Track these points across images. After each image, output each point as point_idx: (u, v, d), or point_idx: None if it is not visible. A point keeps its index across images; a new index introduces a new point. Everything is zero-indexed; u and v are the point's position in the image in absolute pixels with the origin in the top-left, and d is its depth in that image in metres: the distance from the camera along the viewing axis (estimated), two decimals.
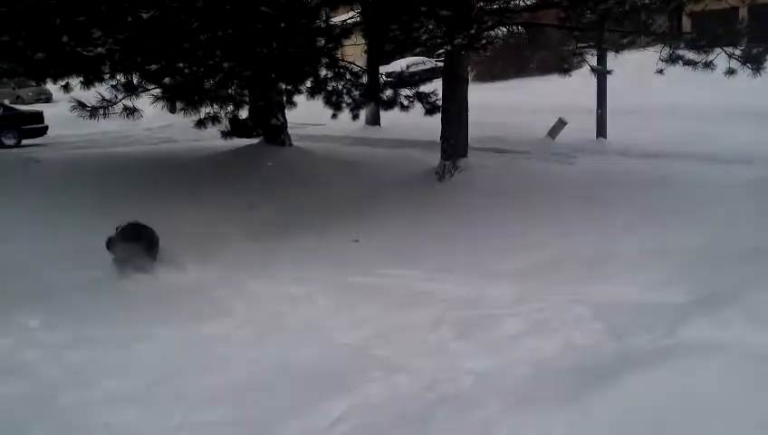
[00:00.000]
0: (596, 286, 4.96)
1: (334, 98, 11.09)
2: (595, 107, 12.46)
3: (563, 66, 8.83)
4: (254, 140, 12.37)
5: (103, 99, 8.64)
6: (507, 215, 7.61)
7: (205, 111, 9.79)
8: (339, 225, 7.44)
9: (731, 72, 8.39)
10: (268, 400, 3.32)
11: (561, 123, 12.81)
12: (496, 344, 3.89)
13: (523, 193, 8.60)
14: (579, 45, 10.11)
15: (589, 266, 5.59)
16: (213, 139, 11.90)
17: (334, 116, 11.53)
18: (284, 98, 11.95)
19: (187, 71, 8.47)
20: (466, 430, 2.54)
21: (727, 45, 8.43)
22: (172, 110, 10.75)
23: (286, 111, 12.41)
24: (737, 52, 8.34)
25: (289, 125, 12.77)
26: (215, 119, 10.06)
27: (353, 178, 9.92)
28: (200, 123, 9.91)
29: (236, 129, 11.70)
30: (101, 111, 8.60)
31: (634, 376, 2.92)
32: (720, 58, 8.56)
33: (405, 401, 3.24)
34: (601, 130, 12.26)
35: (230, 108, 10.70)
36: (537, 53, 15.89)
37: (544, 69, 18.86)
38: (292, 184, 9.49)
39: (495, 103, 18.54)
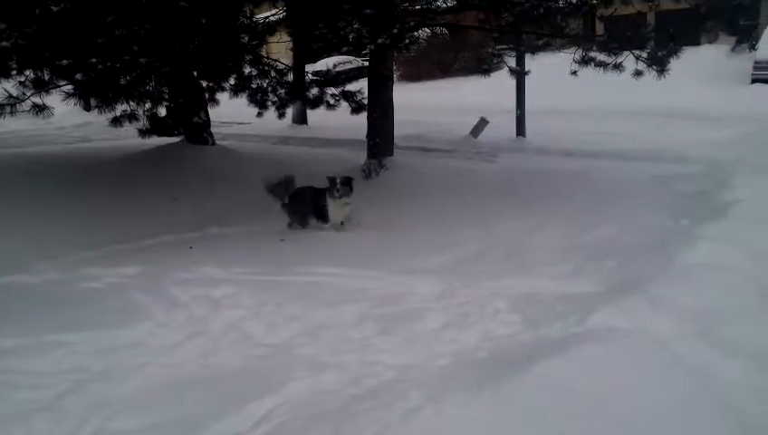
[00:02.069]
0: (514, 280, 5.15)
1: (259, 96, 10.93)
2: (515, 107, 12.89)
3: (483, 67, 9.10)
4: (176, 139, 12.00)
5: (10, 96, 8.14)
6: (432, 212, 7.78)
7: (121, 108, 9.40)
8: (264, 225, 7.34)
9: (638, 73, 8.91)
10: (187, 405, 3.25)
11: (483, 122, 13.18)
12: (419, 338, 3.97)
13: (448, 191, 8.81)
14: (498, 47, 10.45)
15: (508, 261, 5.80)
16: (132, 138, 11.46)
17: (259, 114, 11.37)
18: (207, 95, 11.67)
19: (100, 66, 8.10)
20: (388, 421, 2.59)
21: (635, 48, 8.95)
22: (87, 107, 10.23)
23: (209, 109, 12.12)
24: (644, 54, 8.87)
25: (213, 123, 12.47)
26: (132, 117, 9.68)
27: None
28: (116, 121, 9.52)
29: (156, 127, 11.31)
30: (8, 109, 8.11)
31: (546, 362, 3.06)
32: (629, 60, 9.08)
33: (329, 397, 3.26)
34: (521, 130, 12.72)
35: (148, 105, 10.33)
36: (460, 54, 16.26)
37: (467, 69, 19.32)
38: (216, 184, 9.28)
39: (421, 103, 18.85)
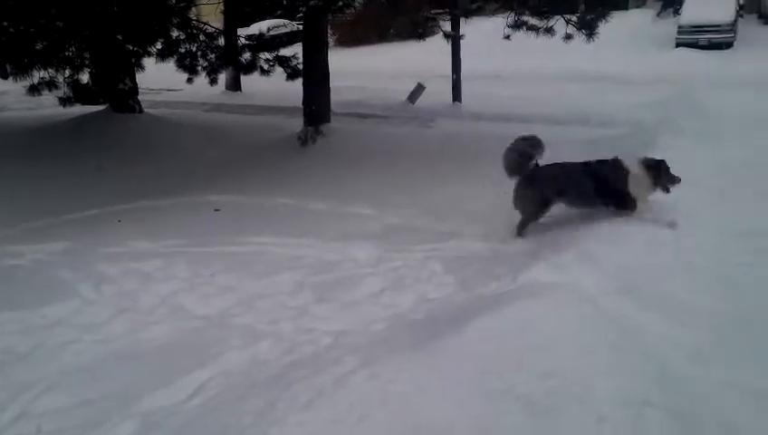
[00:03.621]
0: (449, 243, 5.24)
1: (188, 61, 10.48)
2: (451, 72, 12.91)
3: (418, 31, 9.02)
4: (100, 107, 11.41)
5: None
6: (370, 178, 7.75)
7: (38, 75, 8.84)
8: (197, 194, 7.14)
9: (569, 37, 9.05)
10: (119, 380, 3.16)
11: (420, 88, 13.14)
12: (356, 304, 4.00)
13: (385, 156, 8.78)
14: (433, 11, 10.37)
15: (444, 224, 5.88)
16: (54, 107, 10.81)
17: (189, 80, 10.92)
18: (132, 60, 11.10)
19: (12, 30, 7.57)
20: (322, 387, 2.60)
21: (566, 12, 9.08)
22: (2, 75, 9.58)
23: (137, 75, 11.56)
24: (574, 18, 9.01)
25: (141, 91, 11.92)
26: (51, 84, 9.13)
27: (212, 146, 9.54)
28: (33, 89, 8.96)
29: (79, 95, 10.68)
30: None
31: (479, 320, 3.13)
32: (560, 24, 9.21)
33: (265, 366, 3.25)
34: (457, 95, 12.75)
35: (68, 72, 9.76)
36: (396, 19, 16.08)
37: (404, 34, 19.16)
38: (144, 154, 8.92)
39: (358, 68, 18.59)
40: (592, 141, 8.63)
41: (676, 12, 20.49)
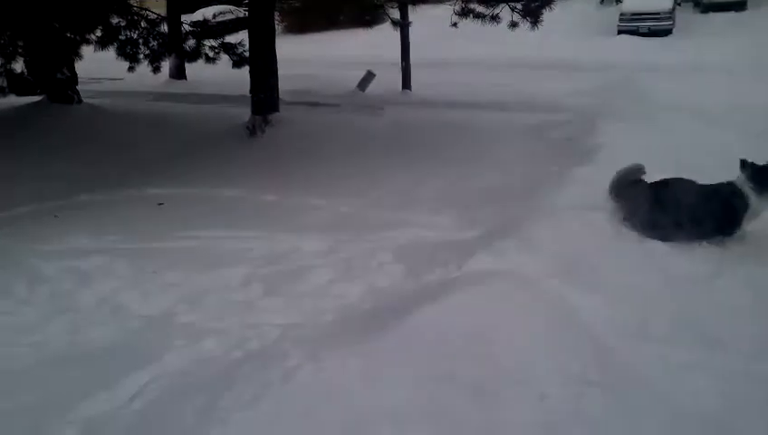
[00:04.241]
0: (399, 231, 5.27)
1: (129, 49, 10.11)
2: (400, 60, 12.92)
3: (365, 18, 8.97)
4: (37, 98, 10.91)
5: None
6: (320, 168, 7.70)
7: None
8: (140, 187, 6.94)
9: (514, 24, 9.18)
10: (54, 386, 3.05)
11: (369, 76, 13.10)
12: (304, 296, 3.97)
13: (335, 146, 8.74)
14: None
15: (393, 213, 5.90)
16: None
17: (131, 69, 10.53)
18: (70, 48, 10.64)
19: None
20: (267, 382, 2.57)
21: (511, 0, 9.19)
22: None
23: (75, 63, 11.09)
24: (519, 6, 9.13)
25: (81, 80, 11.45)
26: None
27: (155, 137, 9.27)
28: None
29: (14, 85, 10.18)
30: None
31: (425, 309, 3.15)
32: (507, 12, 9.32)
33: (210, 363, 3.19)
34: (407, 82, 12.79)
35: (1, 61, 9.29)
36: (345, 5, 15.92)
37: (354, 21, 19.00)
38: (84, 146, 8.59)
39: (308, 56, 18.39)
40: (537, 126, 8.82)
41: (619, 0, 21.02)
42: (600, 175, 5.81)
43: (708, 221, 4.05)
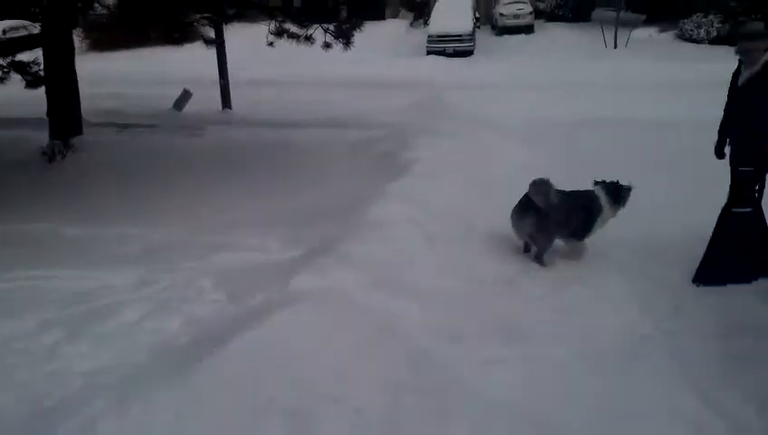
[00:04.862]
0: (220, 256, 5.11)
1: None
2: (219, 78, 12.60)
3: (174, 36, 8.62)
4: None
5: None
6: (132, 194, 7.21)
7: None
8: None
9: (327, 45, 9.42)
10: None
11: (186, 94, 12.59)
12: (113, 336, 3.69)
13: (150, 170, 8.26)
14: (193, 15, 9.97)
15: (215, 237, 5.72)
16: None
17: None
18: None
19: None
20: None
21: (324, 21, 9.41)
22: None
23: None
24: (331, 27, 9.39)
25: None
26: None
27: None
28: None
29: None
30: None
31: (244, 334, 3.12)
32: (321, 32, 9.53)
33: (3, 423, 2.83)
34: (226, 101, 12.49)
35: None
36: (154, 22, 15.09)
37: (163, 39, 18.10)
38: None
39: (116, 74, 17.19)
40: (357, 143, 9.15)
41: (426, 23, 22.59)
42: (416, 187, 6.23)
43: (573, 222, 4.79)
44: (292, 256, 4.83)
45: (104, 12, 10.64)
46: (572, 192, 4.87)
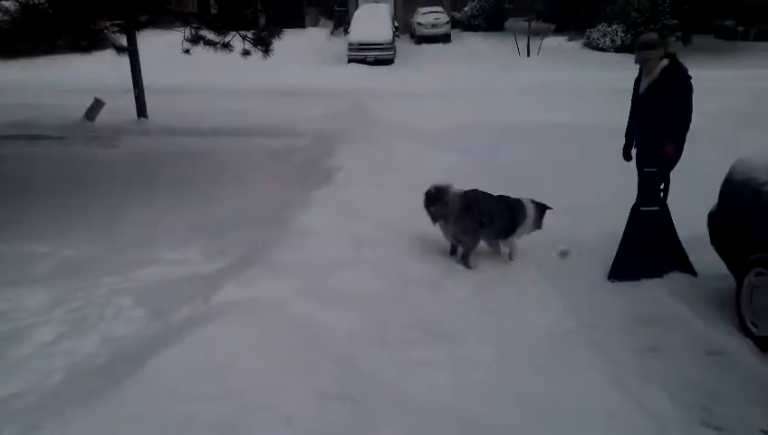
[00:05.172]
0: (141, 271, 4.92)
1: None
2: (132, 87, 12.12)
3: (83, 44, 8.23)
4: None
5: None
6: (42, 209, 6.80)
7: None
8: None
9: (246, 53, 9.29)
10: None
11: (98, 104, 12.02)
12: (25, 360, 3.47)
13: (62, 182, 7.83)
14: (102, 22, 9.57)
15: (135, 251, 5.50)
16: None
17: None
18: None
19: None
20: None
21: (241, 29, 9.29)
22: None
23: None
24: (249, 35, 9.28)
25: None
26: None
27: None
28: None
29: None
30: None
31: (167, 352, 3.02)
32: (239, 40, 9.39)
33: None
34: (142, 110, 12.04)
35: None
36: (62, 28, 14.32)
37: (71, 47, 17.23)
38: None
39: (18, 83, 16.22)
40: (281, 151, 9.07)
41: (346, 31, 22.75)
42: (340, 194, 6.25)
43: (499, 223, 4.97)
44: (217, 268, 4.72)
45: (6, 18, 10.00)
46: (501, 196, 5.08)
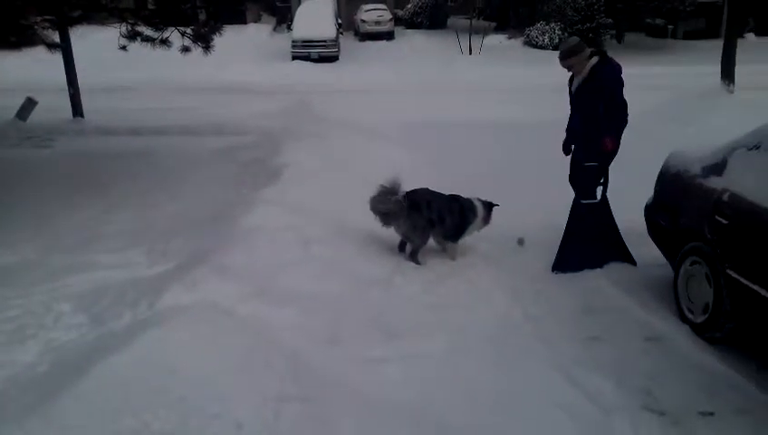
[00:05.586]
0: (80, 276, 4.73)
1: None
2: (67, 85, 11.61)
3: (11, 40, 7.81)
4: None
5: None
6: None
7: None
8: None
9: (186, 49, 9.03)
10: None
11: (30, 103, 11.46)
12: None
13: None
14: (34, 18, 9.12)
15: (74, 256, 5.28)
16: None
17: None
18: None
19: None
20: None
21: (180, 24, 9.02)
22: None
23: None
24: (189, 31, 9.02)
25: None
26: None
27: None
28: None
29: None
30: None
31: (110, 359, 2.91)
32: (177, 36, 9.12)
33: None
34: (77, 110, 11.55)
35: None
36: None
37: (3, 42, 16.38)
38: None
39: None
40: (226, 150, 8.90)
41: (289, 28, 22.50)
42: (287, 193, 6.18)
43: (449, 222, 4.99)
44: (161, 271, 4.59)
45: None
46: (452, 196, 5.14)
